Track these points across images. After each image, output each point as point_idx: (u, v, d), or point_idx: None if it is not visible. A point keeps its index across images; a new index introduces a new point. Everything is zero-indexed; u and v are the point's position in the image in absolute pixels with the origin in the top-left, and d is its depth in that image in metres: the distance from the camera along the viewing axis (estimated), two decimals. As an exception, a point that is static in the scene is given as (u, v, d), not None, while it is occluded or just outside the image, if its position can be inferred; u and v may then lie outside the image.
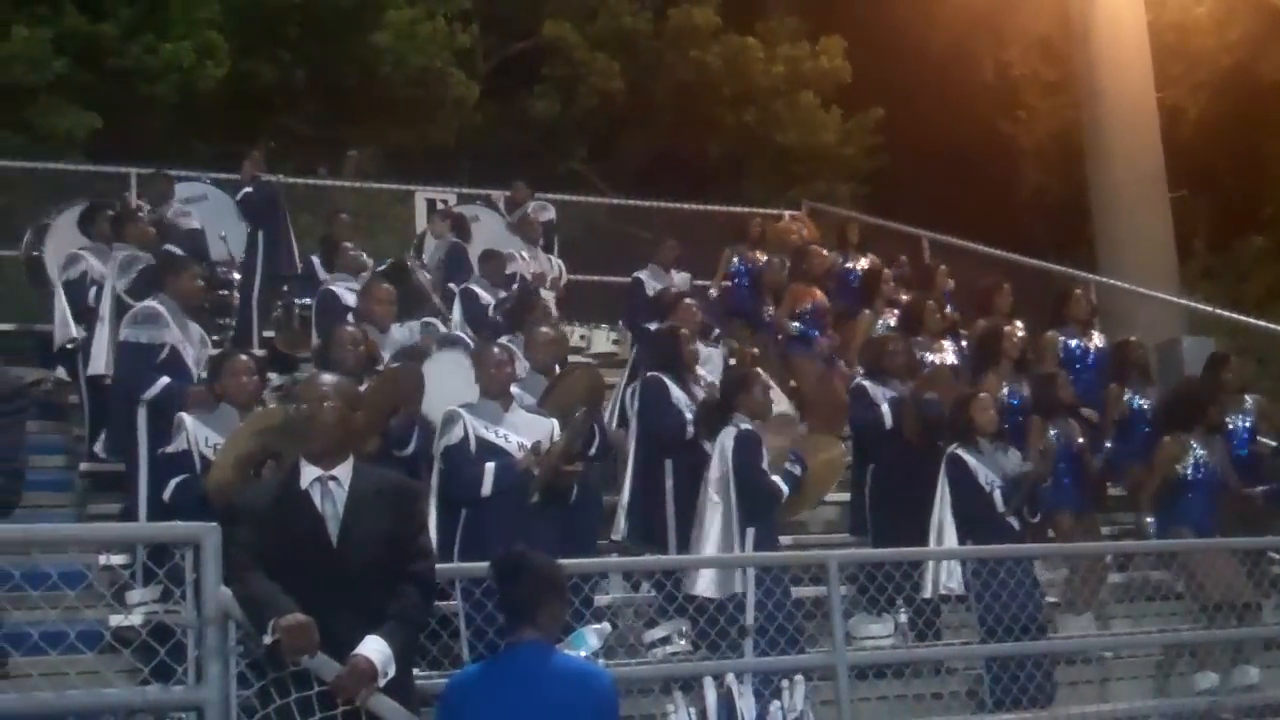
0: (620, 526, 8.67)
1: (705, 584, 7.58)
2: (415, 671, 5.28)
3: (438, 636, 6.42)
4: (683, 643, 7.87)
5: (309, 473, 5.01)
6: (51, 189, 14.78)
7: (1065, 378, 10.29)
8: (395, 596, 4.86)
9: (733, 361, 10.58)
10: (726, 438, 7.99)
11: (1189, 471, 9.11)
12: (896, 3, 22.42)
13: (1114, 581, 9.39)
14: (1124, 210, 17.37)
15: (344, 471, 5.03)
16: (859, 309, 11.98)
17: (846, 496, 9.79)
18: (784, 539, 8.62)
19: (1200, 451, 9.17)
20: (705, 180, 21.01)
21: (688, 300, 10.38)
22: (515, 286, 11.55)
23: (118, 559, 7.97)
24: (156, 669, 4.82)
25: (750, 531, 7.79)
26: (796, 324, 11.80)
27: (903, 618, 8.18)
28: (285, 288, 11.98)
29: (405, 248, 13.16)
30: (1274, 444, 10.13)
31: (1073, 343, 11.35)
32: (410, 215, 15.36)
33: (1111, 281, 15.46)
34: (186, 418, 7.47)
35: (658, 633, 7.97)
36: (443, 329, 10.19)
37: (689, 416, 8.60)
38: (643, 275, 12.62)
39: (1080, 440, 9.87)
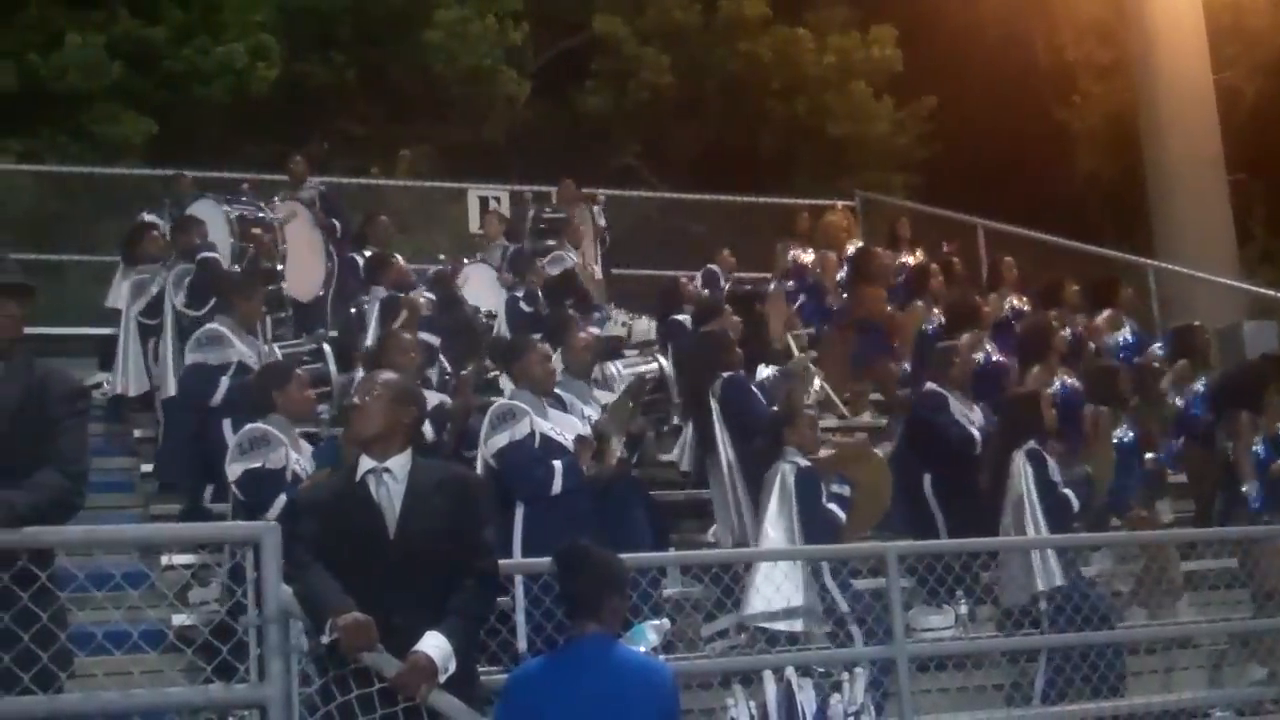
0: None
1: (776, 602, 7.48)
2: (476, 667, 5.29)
3: (497, 632, 6.44)
4: (742, 636, 7.85)
5: (364, 464, 5.05)
6: (108, 194, 14.96)
7: (1126, 370, 10.22)
8: (456, 590, 4.87)
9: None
10: (786, 474, 7.95)
11: (1260, 451, 9.02)
12: (947, -12, 22.31)
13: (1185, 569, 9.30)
14: (1181, 194, 17.18)
15: (399, 464, 5.05)
16: (907, 303, 11.93)
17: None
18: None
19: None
20: (756, 172, 20.93)
21: (728, 308, 10.45)
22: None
23: (180, 559, 8.04)
24: (219, 667, 4.86)
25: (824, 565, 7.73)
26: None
27: (963, 609, 8.13)
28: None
29: (459, 245, 13.12)
30: None
31: (1128, 335, 11.30)
32: (463, 213, 15.42)
33: (1170, 266, 15.31)
34: (281, 436, 7.46)
35: (716, 626, 7.95)
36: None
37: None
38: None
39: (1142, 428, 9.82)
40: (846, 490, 8.08)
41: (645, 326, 10.67)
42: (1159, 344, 11.68)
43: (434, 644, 4.67)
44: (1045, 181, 23.03)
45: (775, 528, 7.78)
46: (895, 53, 23.48)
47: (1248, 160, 18.85)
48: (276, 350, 9.17)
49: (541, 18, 22.85)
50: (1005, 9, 22.71)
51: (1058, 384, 10.05)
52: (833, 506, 7.94)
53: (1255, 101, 22.12)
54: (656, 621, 5.77)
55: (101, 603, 5.09)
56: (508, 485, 7.66)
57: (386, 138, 20.94)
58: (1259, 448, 9.08)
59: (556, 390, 8.19)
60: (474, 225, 14.54)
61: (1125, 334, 11.57)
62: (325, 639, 4.60)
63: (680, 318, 10.82)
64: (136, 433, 10.62)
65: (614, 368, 9.58)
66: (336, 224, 12.51)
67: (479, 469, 7.74)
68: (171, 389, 9.83)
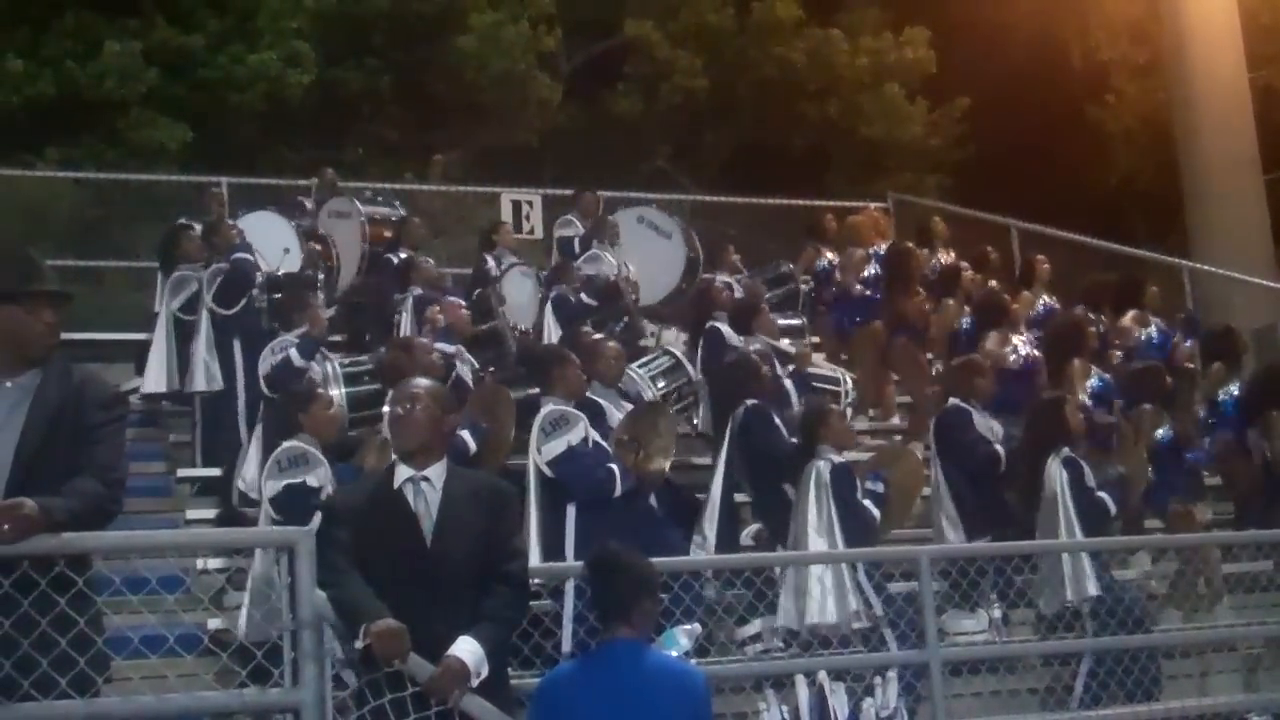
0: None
1: (827, 611, 7.48)
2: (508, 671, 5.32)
3: (529, 636, 6.46)
4: (775, 640, 7.86)
5: (402, 473, 5.07)
6: (144, 201, 15.08)
7: (1162, 369, 10.19)
8: (488, 596, 4.89)
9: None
10: (821, 472, 7.96)
11: None
12: (979, -11, 22.22)
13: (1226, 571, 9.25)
14: (1217, 194, 17.06)
15: (436, 472, 5.08)
16: (939, 302, 11.90)
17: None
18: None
19: None
20: (790, 175, 20.89)
21: (765, 307, 10.47)
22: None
23: (215, 563, 8.10)
24: (254, 671, 4.89)
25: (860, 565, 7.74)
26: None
27: (996, 613, 8.10)
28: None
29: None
30: None
31: (1154, 334, 11.27)
32: (496, 217, 15.45)
33: (1206, 267, 15.21)
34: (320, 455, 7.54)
35: (749, 630, 7.96)
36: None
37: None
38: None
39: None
40: (880, 487, 8.09)
41: (672, 337, 10.67)
42: (1189, 340, 11.65)
43: (467, 649, 4.70)
44: (1079, 182, 22.93)
45: (819, 533, 7.79)
46: (928, 54, 23.41)
47: (1284, 159, 18.69)
48: (337, 365, 9.25)
49: (574, 22, 22.88)
50: (1038, 9, 22.59)
51: (1095, 380, 10.04)
52: (867, 503, 7.95)
53: (1292, 100, 21.95)
54: (688, 626, 5.78)
55: (137, 607, 5.13)
56: (571, 489, 7.74)
57: (420, 143, 21.03)
58: None
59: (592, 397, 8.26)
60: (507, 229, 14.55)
61: (1151, 331, 11.51)
62: (359, 645, 4.62)
63: (715, 325, 10.82)
64: (172, 437, 10.72)
65: (633, 371, 9.63)
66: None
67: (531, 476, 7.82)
68: (201, 383, 10.00)
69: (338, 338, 11.03)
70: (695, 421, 10.19)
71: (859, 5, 24.45)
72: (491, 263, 12.40)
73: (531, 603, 7.08)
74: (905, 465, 8.75)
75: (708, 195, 18.14)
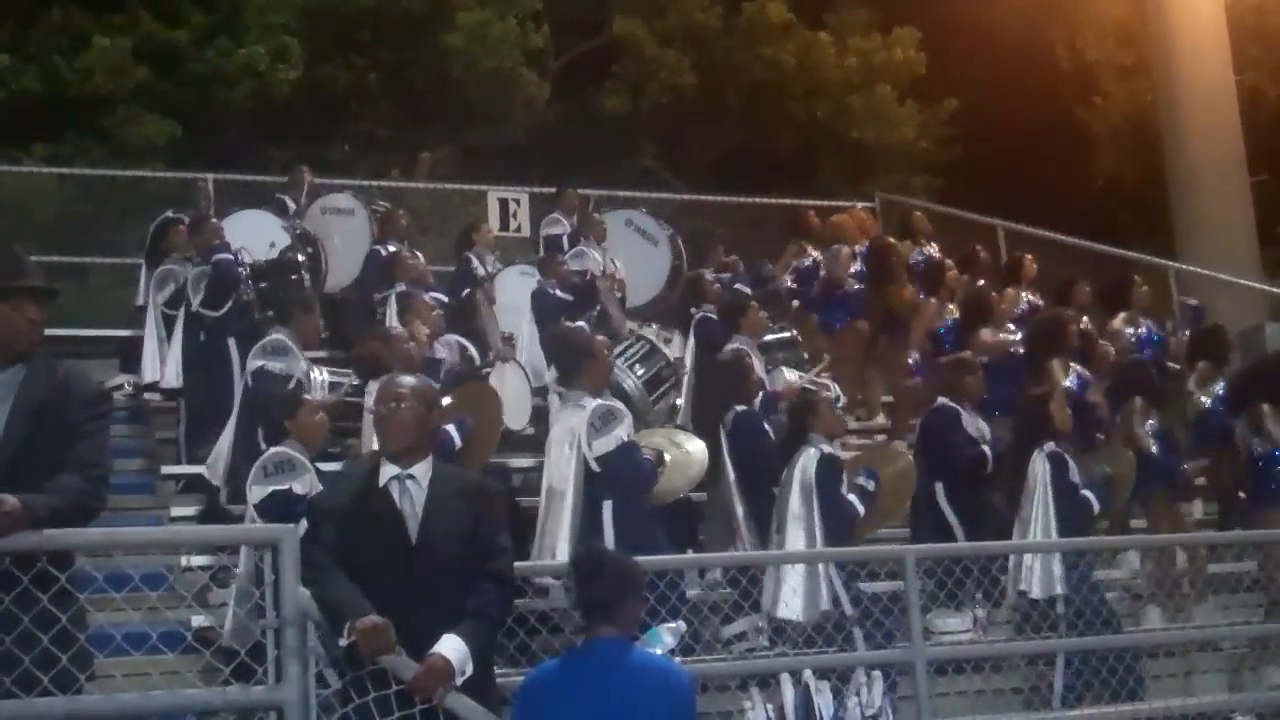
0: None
1: (792, 607, 7.57)
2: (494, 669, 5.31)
3: (514, 633, 6.46)
4: (760, 639, 7.86)
5: (387, 471, 5.06)
6: (131, 197, 15.03)
7: (1150, 365, 10.21)
8: (473, 593, 4.89)
9: (806, 357, 10.65)
10: (808, 461, 7.97)
11: None
12: (967, -10, 22.24)
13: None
14: (1203, 195, 17.11)
15: (422, 470, 5.07)
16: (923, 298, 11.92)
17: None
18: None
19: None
20: (777, 175, 20.91)
21: (755, 305, 10.46)
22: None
23: (198, 561, 8.08)
24: (237, 669, 4.88)
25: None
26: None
27: (981, 612, 8.12)
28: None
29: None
30: None
31: (1142, 331, 11.30)
32: (483, 214, 15.43)
33: (1192, 268, 15.25)
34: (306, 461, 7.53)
35: (734, 629, 7.96)
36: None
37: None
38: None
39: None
40: (872, 485, 8.10)
41: (652, 332, 10.67)
42: (1185, 332, 11.72)
43: (451, 646, 4.69)
44: (1066, 183, 22.96)
45: (799, 522, 7.83)
46: (917, 55, 23.43)
47: (1270, 161, 18.71)
48: (326, 375, 9.23)
49: (561, 20, 22.87)
50: (1025, 11, 22.62)
51: (1072, 379, 10.05)
52: (852, 497, 7.97)
53: (1278, 102, 22.00)
54: (672, 624, 5.77)
55: (120, 604, 5.11)
56: (621, 483, 7.80)
57: (407, 140, 20.98)
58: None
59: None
60: (495, 227, 14.54)
61: (1141, 330, 11.53)
62: (343, 642, 4.61)
63: (706, 314, 10.84)
64: (157, 435, 10.68)
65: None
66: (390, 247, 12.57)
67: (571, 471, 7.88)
68: (174, 380, 10.15)
69: (323, 335, 11.00)
70: (679, 402, 10.17)
71: (847, 6, 24.45)
72: (476, 262, 12.38)
73: (517, 600, 7.13)
74: (899, 468, 8.73)
75: (695, 195, 18.13)
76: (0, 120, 17.79)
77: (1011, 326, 11.03)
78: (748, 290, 12.02)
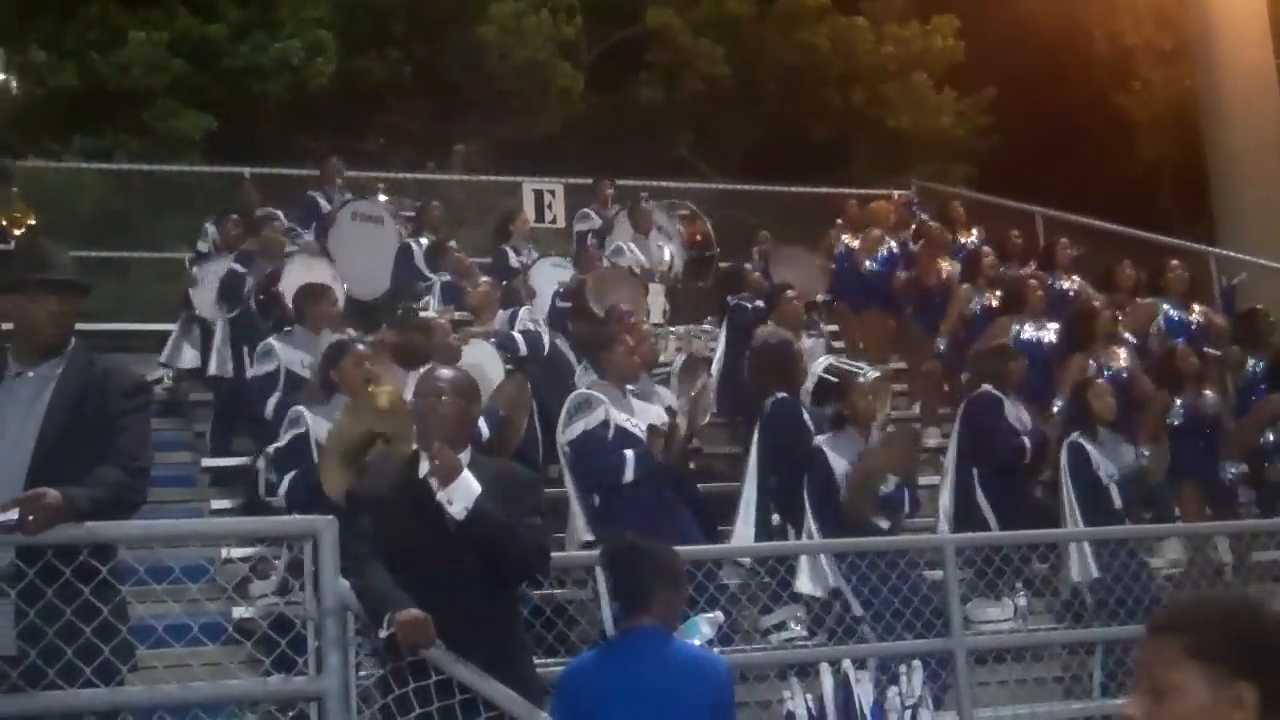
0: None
1: (805, 581, 7.64)
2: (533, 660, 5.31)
3: (553, 624, 6.47)
4: (798, 629, 7.84)
5: (426, 462, 5.06)
6: (169, 191, 15.13)
7: (1185, 349, 10.10)
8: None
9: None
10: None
11: None
12: (1003, -24, 22.10)
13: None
14: (1244, 180, 16.98)
15: (462, 461, 5.06)
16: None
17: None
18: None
19: None
20: (812, 163, 20.84)
21: (790, 293, 10.41)
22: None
23: (239, 552, 8.13)
24: (278, 660, 4.90)
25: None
26: None
27: (1021, 601, 8.07)
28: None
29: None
30: None
31: (1173, 314, 11.21)
32: (518, 206, 15.46)
33: (1233, 254, 15.11)
34: (305, 411, 7.56)
35: (773, 619, 7.94)
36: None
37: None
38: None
39: (1211, 410, 9.71)
40: (891, 487, 8.01)
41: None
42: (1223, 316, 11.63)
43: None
44: (1105, 170, 22.77)
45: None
46: (955, 43, 23.30)
47: (1312, 145, 18.52)
48: None
49: (595, 10, 22.86)
50: (1062, -5, 22.49)
51: (1119, 364, 10.00)
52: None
53: (1320, 86, 21.76)
54: (710, 614, 5.76)
55: (161, 596, 5.14)
56: (581, 473, 7.82)
57: (442, 132, 21.04)
58: None
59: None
60: (530, 218, 14.54)
61: (1174, 314, 11.43)
62: (383, 634, 4.62)
63: (743, 303, 10.84)
64: (196, 427, 10.76)
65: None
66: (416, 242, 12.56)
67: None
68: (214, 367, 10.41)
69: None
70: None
71: (883, -8, 24.35)
72: (512, 254, 12.37)
73: (555, 591, 7.15)
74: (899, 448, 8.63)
75: (730, 184, 18.10)
76: (39, 115, 17.93)
77: (1043, 318, 10.94)
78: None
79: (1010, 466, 8.77)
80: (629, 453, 7.74)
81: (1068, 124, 22.67)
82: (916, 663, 6.74)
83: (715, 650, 5.48)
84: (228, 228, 11.60)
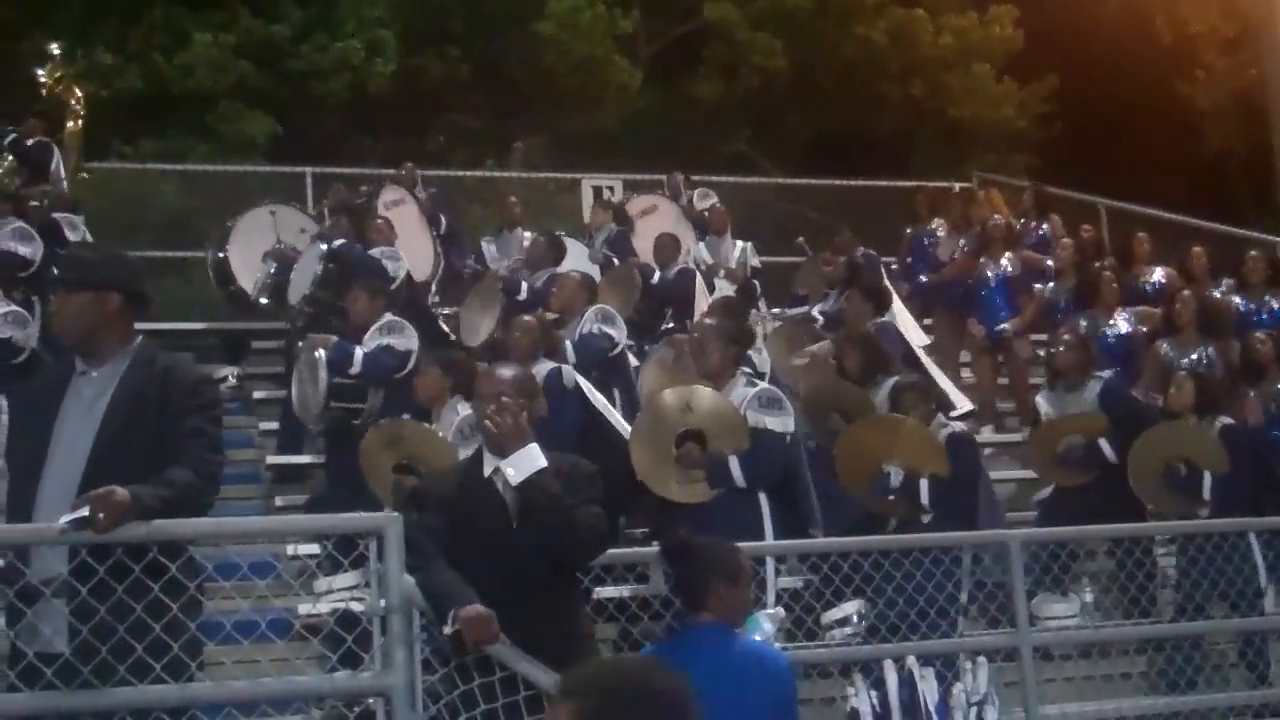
0: None
1: None
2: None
3: (615, 620, 6.48)
4: (862, 624, 7.79)
5: (490, 461, 5.05)
6: (233, 192, 15.27)
7: (1263, 338, 9.96)
8: None
9: None
10: None
11: None
12: (1065, -36, 21.88)
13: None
14: (1311, 169, 16.73)
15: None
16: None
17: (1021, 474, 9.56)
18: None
19: None
20: (872, 156, 20.74)
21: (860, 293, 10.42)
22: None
23: (305, 549, 8.19)
24: (344, 656, 4.93)
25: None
26: None
27: (1088, 597, 7.99)
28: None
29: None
30: None
31: (1249, 304, 11.08)
32: (577, 203, 15.48)
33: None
34: None
35: (836, 614, 7.89)
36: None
37: None
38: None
39: None
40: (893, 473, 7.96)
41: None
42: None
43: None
44: (1169, 159, 22.50)
45: None
46: (1015, 32, 23.11)
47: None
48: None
49: (652, 5, 22.87)
50: (1124, -18, 22.26)
51: (1198, 354, 9.91)
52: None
53: (1388, 72, 21.38)
54: (771, 610, 5.74)
55: (229, 593, 5.19)
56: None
57: (501, 130, 21.11)
58: None
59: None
60: (588, 215, 14.57)
61: (1250, 305, 11.29)
62: (448, 630, 4.63)
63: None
64: (261, 425, 10.85)
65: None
66: (442, 219, 12.69)
67: None
68: None
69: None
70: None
71: (942, -17, 24.17)
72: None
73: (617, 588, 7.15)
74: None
75: (789, 178, 18.05)
76: (105, 118, 18.13)
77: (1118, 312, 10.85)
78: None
79: None
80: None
81: (1130, 113, 22.43)
82: (982, 659, 6.69)
83: (778, 646, 5.45)
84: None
